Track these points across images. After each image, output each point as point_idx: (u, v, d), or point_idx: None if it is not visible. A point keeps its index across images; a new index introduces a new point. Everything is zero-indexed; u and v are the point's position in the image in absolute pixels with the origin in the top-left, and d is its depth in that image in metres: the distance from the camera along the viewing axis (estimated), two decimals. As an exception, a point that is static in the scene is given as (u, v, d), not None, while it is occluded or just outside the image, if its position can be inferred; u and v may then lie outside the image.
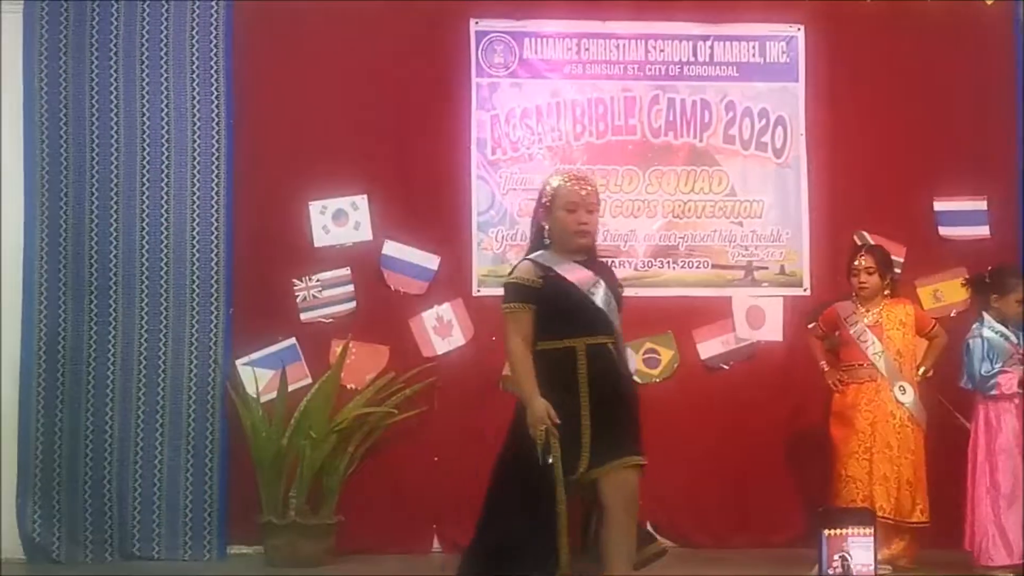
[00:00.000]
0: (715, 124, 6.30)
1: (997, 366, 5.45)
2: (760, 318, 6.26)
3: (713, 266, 6.27)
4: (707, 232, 6.27)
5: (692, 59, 6.32)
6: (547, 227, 4.10)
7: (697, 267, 6.25)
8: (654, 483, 5.94)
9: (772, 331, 6.25)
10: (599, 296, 4.05)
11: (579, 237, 4.05)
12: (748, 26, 6.35)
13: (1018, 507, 5.34)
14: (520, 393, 4.01)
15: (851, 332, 5.57)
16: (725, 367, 6.23)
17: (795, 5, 6.34)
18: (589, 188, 4.11)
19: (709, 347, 6.23)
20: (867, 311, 5.58)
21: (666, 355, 6.19)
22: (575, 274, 4.03)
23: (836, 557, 4.69)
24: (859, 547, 4.86)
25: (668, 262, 6.25)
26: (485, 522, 4.06)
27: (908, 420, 5.49)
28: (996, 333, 5.50)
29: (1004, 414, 5.46)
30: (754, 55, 6.35)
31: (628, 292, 5.99)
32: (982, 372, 5.45)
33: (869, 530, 4.95)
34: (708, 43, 6.32)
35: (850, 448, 5.45)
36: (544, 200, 4.12)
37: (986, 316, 5.55)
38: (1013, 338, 5.52)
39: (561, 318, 4.00)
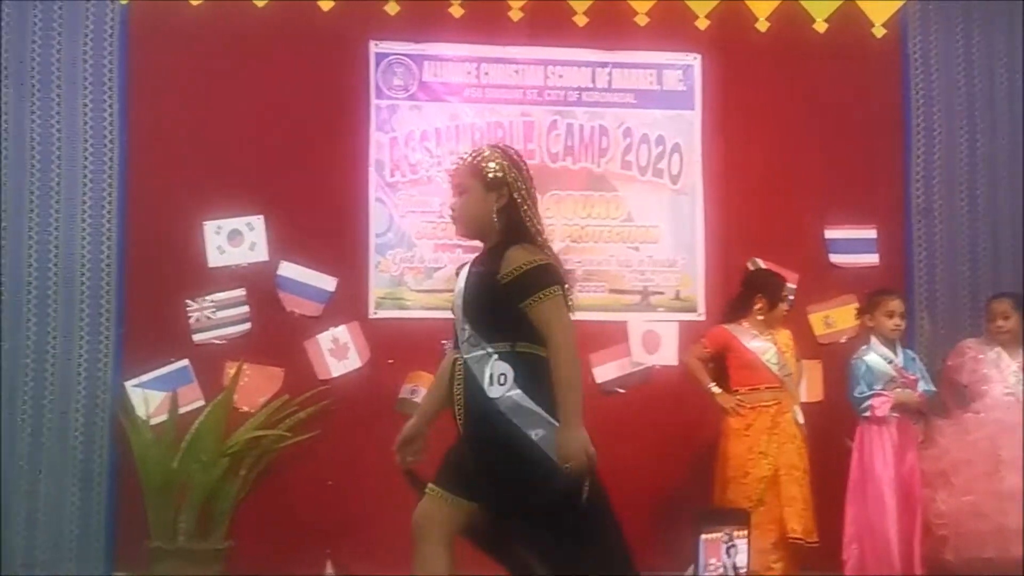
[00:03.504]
0: (613, 150, 6.37)
1: (876, 387, 5.62)
2: (655, 342, 6.33)
3: (610, 291, 6.32)
4: (604, 257, 6.33)
5: (591, 85, 6.38)
6: None
7: (594, 291, 6.30)
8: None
9: (667, 355, 6.31)
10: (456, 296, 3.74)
11: (453, 224, 3.81)
12: (646, 54, 6.43)
13: (892, 529, 5.52)
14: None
15: (757, 355, 5.66)
16: (621, 391, 6.28)
17: (692, 34, 6.43)
18: (458, 165, 3.79)
19: (605, 371, 6.27)
20: (767, 335, 5.71)
21: (562, 379, 6.21)
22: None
23: (711, 560, 4.79)
24: (735, 548, 4.99)
25: (566, 286, 6.27)
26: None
27: (803, 441, 5.62)
28: (880, 356, 5.67)
29: (877, 437, 5.63)
30: (652, 83, 6.44)
31: (525, 316, 6.18)
32: (855, 394, 5.65)
33: (744, 531, 5.09)
34: (607, 70, 6.39)
35: (744, 469, 5.54)
36: None
37: (873, 339, 5.73)
38: (898, 361, 5.68)
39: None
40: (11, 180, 5.84)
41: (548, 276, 3.50)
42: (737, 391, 5.70)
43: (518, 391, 3.48)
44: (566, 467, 3.38)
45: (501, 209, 3.63)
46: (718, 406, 5.71)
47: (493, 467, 3.50)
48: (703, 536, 4.96)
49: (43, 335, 5.83)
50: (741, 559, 5.13)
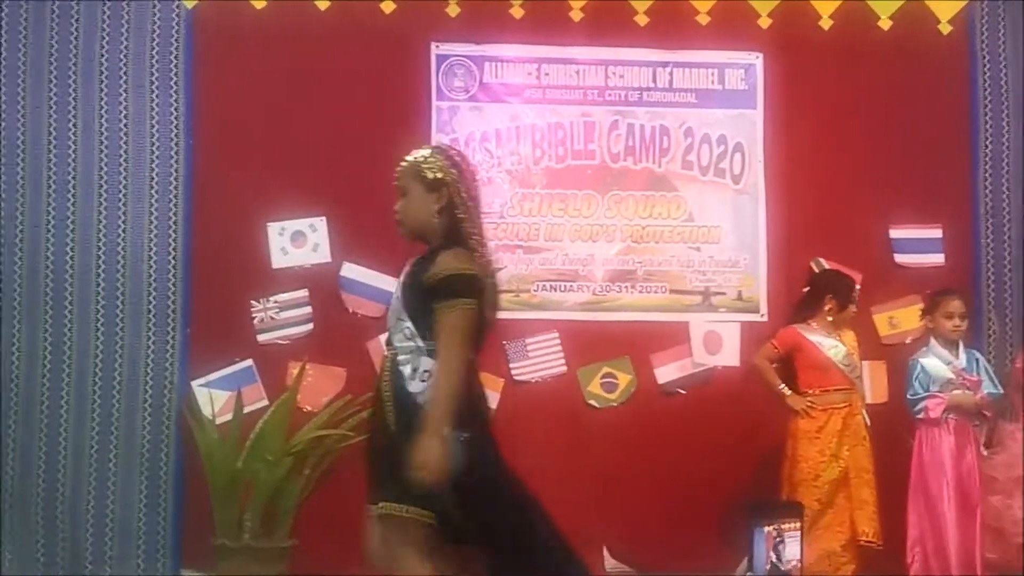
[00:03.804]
0: (674, 150, 6.34)
1: (933, 388, 5.56)
2: (717, 343, 6.29)
3: (671, 291, 6.29)
4: (665, 257, 6.30)
5: (651, 85, 6.36)
6: None
7: (655, 292, 6.28)
8: (610, 508, 6.04)
9: (729, 356, 6.27)
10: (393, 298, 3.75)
11: (398, 227, 3.81)
12: (707, 53, 6.40)
13: (954, 529, 5.45)
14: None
15: (829, 356, 5.61)
16: (682, 392, 6.25)
17: (754, 33, 6.39)
18: (400, 168, 3.81)
19: (666, 372, 6.25)
20: (835, 336, 5.66)
21: (623, 379, 6.21)
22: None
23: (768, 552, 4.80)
24: (789, 541, 4.98)
25: (626, 287, 6.27)
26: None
27: (869, 443, 5.58)
28: (938, 358, 5.61)
29: (934, 438, 5.58)
30: (713, 82, 6.40)
31: (586, 316, 6.19)
32: (908, 395, 5.60)
33: (798, 524, 5.07)
34: (667, 69, 6.37)
35: (816, 472, 5.50)
36: None
37: (932, 341, 5.68)
38: (958, 363, 5.61)
39: None
40: (81, 181, 5.94)
41: (461, 287, 3.50)
42: (807, 393, 5.65)
43: None
44: (416, 474, 3.35)
45: (441, 210, 3.65)
46: (788, 408, 5.66)
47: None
48: (757, 530, 4.95)
49: (111, 336, 5.92)
50: (791, 552, 5.10)
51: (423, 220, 3.68)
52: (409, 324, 3.57)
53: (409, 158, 3.78)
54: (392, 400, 3.58)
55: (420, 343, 3.55)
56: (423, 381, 3.51)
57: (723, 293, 6.33)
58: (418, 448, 3.38)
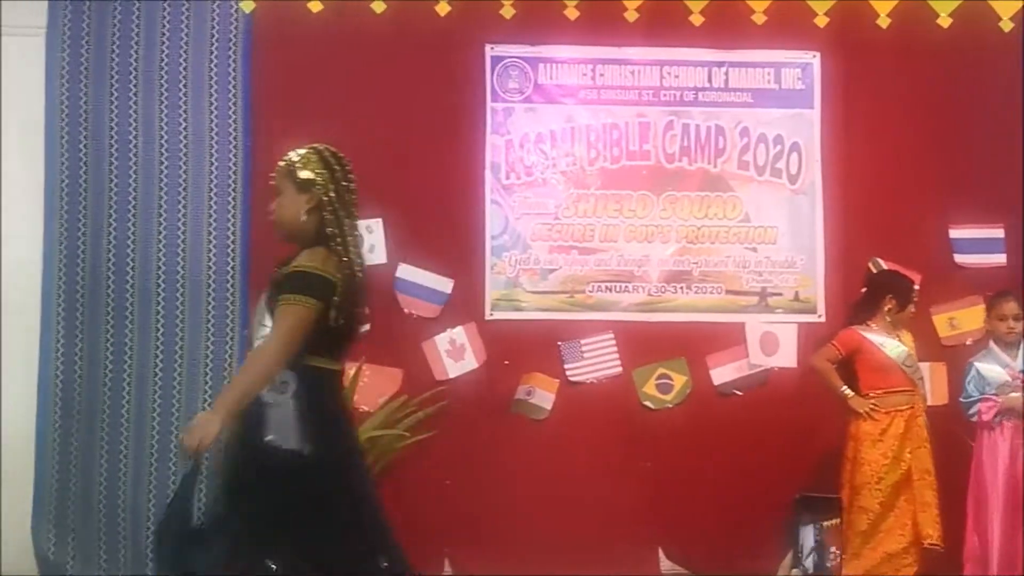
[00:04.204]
0: (729, 150, 6.31)
1: (988, 391, 5.50)
2: (774, 344, 6.25)
3: (727, 292, 6.26)
4: (721, 258, 6.27)
5: (707, 85, 6.33)
6: None
7: (710, 293, 6.25)
8: (665, 510, 6.03)
9: (786, 357, 6.23)
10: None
11: (273, 227, 3.77)
12: (763, 53, 6.35)
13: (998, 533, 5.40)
14: None
15: (891, 357, 5.56)
16: (738, 393, 6.21)
17: (811, 32, 6.33)
18: (277, 168, 3.75)
19: (722, 373, 6.21)
20: (894, 336, 5.61)
21: (679, 381, 6.19)
22: None
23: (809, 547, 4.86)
24: (830, 537, 4.99)
25: (681, 287, 6.24)
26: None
27: (931, 445, 5.52)
28: (995, 361, 5.55)
29: (989, 441, 5.52)
30: (769, 81, 6.36)
31: (641, 317, 6.18)
32: (961, 398, 5.55)
33: (838, 520, 5.22)
34: (723, 69, 6.33)
35: (879, 475, 5.45)
36: None
37: (991, 343, 5.63)
38: (1015, 365, 5.54)
39: None
40: (142, 185, 6.02)
41: (306, 285, 3.47)
42: (869, 395, 5.59)
43: (292, 401, 3.48)
44: (181, 437, 3.35)
45: (311, 211, 3.63)
46: (851, 411, 5.60)
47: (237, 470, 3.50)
48: (801, 527, 5.00)
49: (171, 338, 5.99)
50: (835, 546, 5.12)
51: (292, 220, 3.65)
52: (269, 326, 3.55)
53: (285, 158, 3.75)
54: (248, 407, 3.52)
55: None
56: (281, 393, 3.48)
57: (780, 294, 6.28)
58: (197, 419, 3.37)
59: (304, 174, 3.67)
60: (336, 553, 3.52)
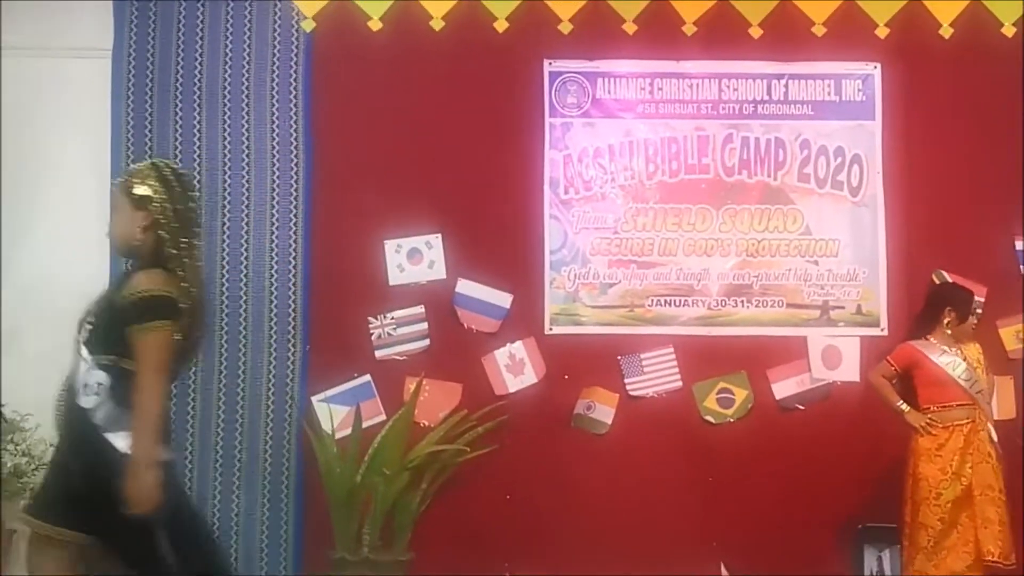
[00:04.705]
0: (790, 162, 6.27)
1: None
2: (836, 358, 6.18)
3: (788, 305, 6.21)
4: (782, 271, 6.22)
5: (766, 98, 6.30)
6: None
7: (771, 306, 6.21)
8: (727, 524, 5.98)
9: (849, 371, 6.16)
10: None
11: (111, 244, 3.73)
12: (823, 64, 6.31)
13: None
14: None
15: (947, 371, 5.49)
16: (800, 407, 6.15)
17: (872, 43, 6.28)
18: (115, 184, 3.73)
19: (784, 387, 6.16)
20: (954, 350, 5.53)
21: (740, 395, 6.14)
22: None
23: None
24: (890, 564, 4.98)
25: (742, 301, 6.20)
26: None
27: (998, 460, 5.43)
28: None
29: None
30: (830, 93, 6.31)
31: (701, 331, 6.15)
32: None
33: (897, 547, 5.32)
34: (782, 81, 6.30)
35: (937, 490, 5.37)
36: None
37: None
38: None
39: None
40: (205, 202, 6.07)
41: (157, 309, 3.46)
42: (927, 409, 5.51)
43: (111, 403, 3.46)
44: (132, 508, 3.32)
45: (146, 228, 3.60)
46: (908, 425, 5.53)
47: (82, 481, 3.45)
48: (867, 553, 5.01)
49: (234, 352, 6.06)
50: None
51: (127, 238, 3.62)
52: (93, 338, 3.54)
53: (124, 174, 3.72)
54: (64, 414, 3.55)
55: (100, 358, 3.52)
56: (96, 395, 3.48)
57: (842, 307, 6.22)
58: (128, 486, 3.34)
59: (140, 191, 3.62)
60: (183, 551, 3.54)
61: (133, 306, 3.48)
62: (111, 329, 3.53)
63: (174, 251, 3.60)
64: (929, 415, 5.49)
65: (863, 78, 6.31)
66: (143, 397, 3.44)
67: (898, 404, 5.56)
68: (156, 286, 3.51)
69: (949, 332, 5.56)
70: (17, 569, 5.12)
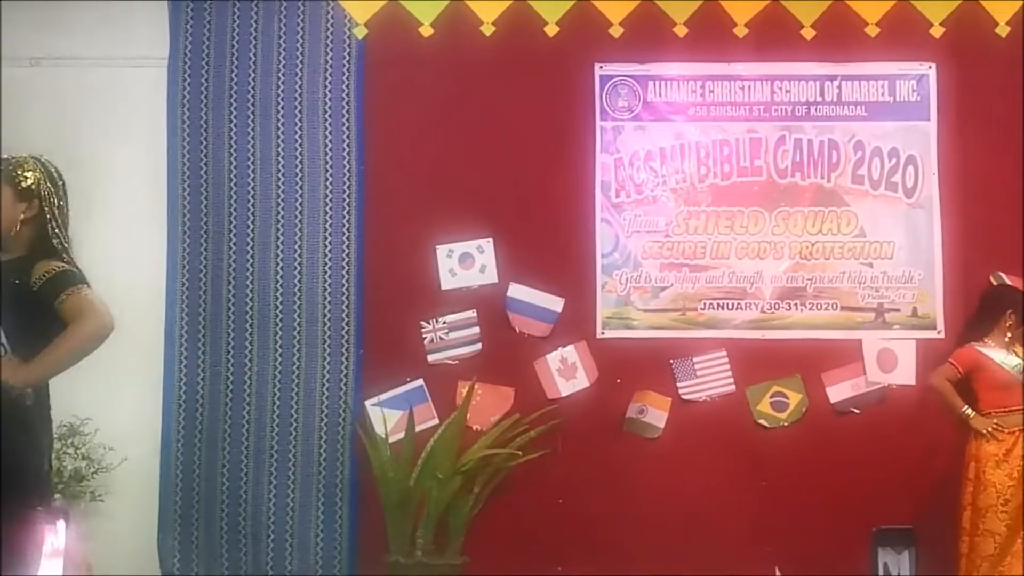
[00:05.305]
0: (843, 164, 6.22)
1: None
2: (892, 361, 6.12)
3: (842, 308, 6.16)
4: (836, 273, 6.17)
5: (819, 99, 6.25)
6: None
7: (825, 309, 6.16)
8: (781, 529, 5.94)
9: (904, 375, 6.09)
10: None
11: None
12: (877, 65, 6.24)
13: None
14: None
15: (1012, 374, 5.41)
16: (855, 411, 6.10)
17: (926, 42, 6.20)
18: None
19: (839, 391, 6.10)
20: (1016, 353, 5.46)
21: (794, 398, 6.10)
22: None
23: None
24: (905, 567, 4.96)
25: (795, 304, 6.16)
26: None
27: None
28: None
29: None
30: (883, 94, 6.25)
31: (754, 334, 6.11)
32: None
33: (912, 550, 5.40)
34: (835, 83, 6.25)
35: (1005, 496, 5.30)
36: None
37: None
38: None
39: None
40: (259, 208, 6.16)
41: (74, 277, 3.54)
42: (990, 414, 5.44)
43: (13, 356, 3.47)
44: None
45: (28, 220, 3.60)
46: (973, 431, 5.46)
47: None
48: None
49: (288, 358, 6.11)
50: None
51: (6, 227, 3.61)
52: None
53: (4, 163, 3.69)
54: None
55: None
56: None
57: (897, 310, 6.16)
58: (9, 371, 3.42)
59: (28, 182, 3.64)
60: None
61: (49, 282, 3.53)
62: (32, 322, 3.54)
63: (61, 245, 3.66)
64: (994, 420, 5.42)
65: (918, 78, 6.24)
66: (84, 330, 3.49)
67: (963, 409, 5.49)
68: (62, 264, 3.58)
69: (1008, 335, 5.48)
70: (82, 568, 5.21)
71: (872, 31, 6.22)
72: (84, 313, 3.51)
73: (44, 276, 3.53)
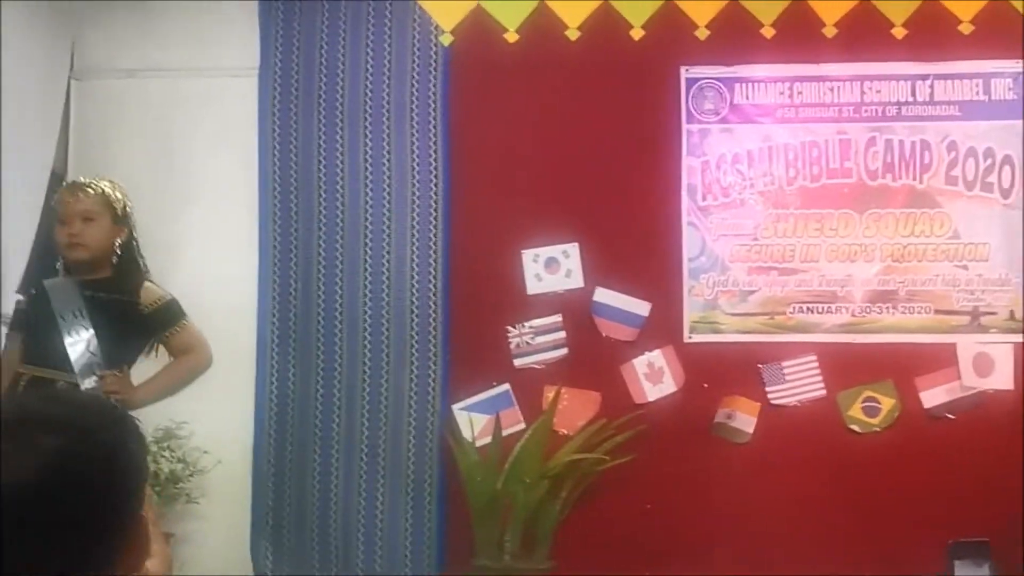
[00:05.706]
0: (936, 165, 6.10)
1: None
2: (988, 365, 5.99)
3: (935, 311, 6.04)
4: (929, 276, 6.06)
5: (911, 99, 6.14)
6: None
7: (918, 312, 6.04)
8: (873, 536, 5.84)
9: (1002, 379, 5.95)
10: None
11: (69, 251, 3.83)
12: (971, 63, 6.11)
13: None
14: None
15: None
16: (950, 417, 5.97)
17: (1021, 40, 6.07)
18: (86, 194, 3.82)
19: (933, 395, 5.98)
20: None
21: (887, 404, 6.00)
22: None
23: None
24: None
25: (887, 307, 6.06)
26: None
27: None
28: None
29: None
30: (978, 93, 6.12)
31: (845, 339, 6.02)
32: None
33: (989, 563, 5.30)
34: (928, 82, 6.13)
35: None
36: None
37: None
38: None
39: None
40: (348, 216, 6.24)
41: (180, 309, 4.01)
42: None
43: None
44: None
45: (122, 244, 3.86)
46: None
47: None
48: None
49: (377, 363, 6.16)
50: None
51: (106, 250, 3.84)
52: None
53: (95, 185, 3.88)
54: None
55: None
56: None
57: (993, 313, 6.02)
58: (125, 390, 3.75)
59: (123, 209, 3.91)
60: None
61: (158, 312, 3.91)
62: (131, 341, 3.87)
63: (145, 266, 4.03)
64: None
65: (1013, 76, 6.10)
66: (199, 362, 4.04)
67: None
68: (162, 293, 3.99)
69: None
70: (176, 569, 5.32)
71: (966, 28, 6.09)
72: (193, 349, 3.92)
73: (156, 303, 3.91)
